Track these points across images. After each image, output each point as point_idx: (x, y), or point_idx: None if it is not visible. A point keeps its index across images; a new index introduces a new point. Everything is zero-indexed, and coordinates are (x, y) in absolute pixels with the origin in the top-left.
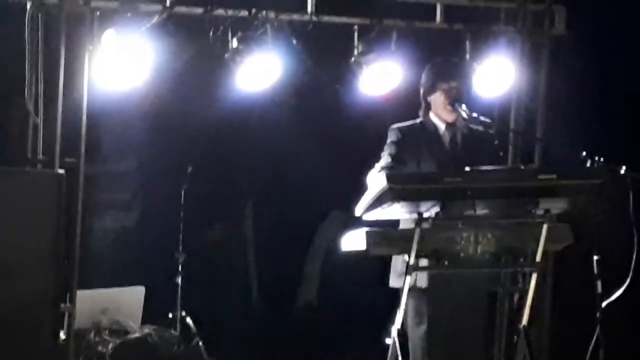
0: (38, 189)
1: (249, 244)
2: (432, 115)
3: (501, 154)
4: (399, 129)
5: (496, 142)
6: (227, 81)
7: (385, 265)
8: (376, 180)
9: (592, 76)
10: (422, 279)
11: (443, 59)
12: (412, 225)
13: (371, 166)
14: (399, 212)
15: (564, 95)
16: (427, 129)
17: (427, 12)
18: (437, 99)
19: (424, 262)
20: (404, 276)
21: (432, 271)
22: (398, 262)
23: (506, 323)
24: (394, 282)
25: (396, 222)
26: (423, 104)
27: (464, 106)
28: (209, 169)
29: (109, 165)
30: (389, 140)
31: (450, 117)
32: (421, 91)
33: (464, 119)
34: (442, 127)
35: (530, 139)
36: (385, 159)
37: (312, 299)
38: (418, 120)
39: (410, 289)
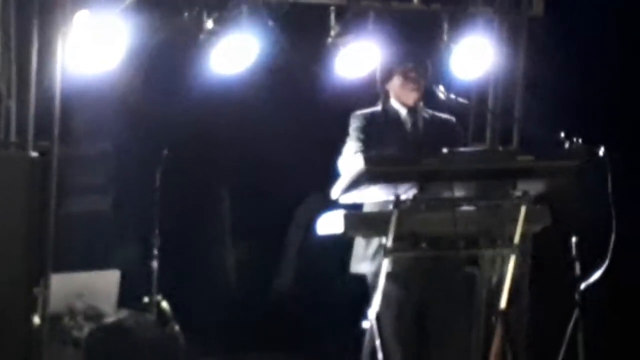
0: (11, 172)
1: (225, 228)
2: (392, 102)
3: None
4: (363, 115)
5: (457, 129)
6: (203, 63)
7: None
8: (353, 162)
9: (570, 57)
10: (395, 262)
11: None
12: (378, 209)
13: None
14: (376, 194)
15: (542, 76)
16: (389, 114)
17: None
18: (395, 84)
19: (401, 244)
20: (381, 258)
21: (407, 253)
22: (359, 248)
23: (484, 305)
24: (354, 267)
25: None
26: (382, 95)
27: (441, 87)
28: (185, 151)
29: (83, 148)
30: (353, 126)
31: (411, 99)
32: (378, 81)
33: (444, 100)
34: (403, 112)
35: (508, 120)
36: (355, 144)
37: (289, 283)
38: (379, 107)
39: (379, 273)
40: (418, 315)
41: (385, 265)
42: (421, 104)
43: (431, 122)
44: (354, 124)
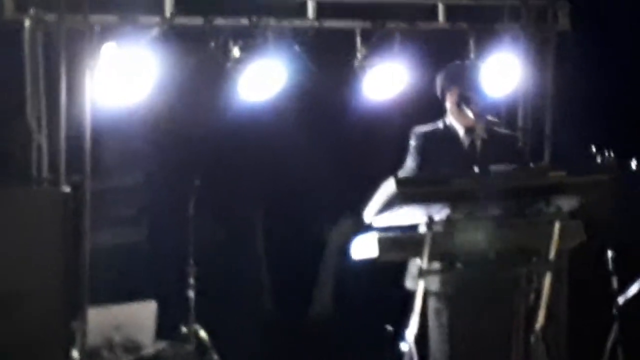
0: (44, 207)
1: (260, 254)
2: (452, 119)
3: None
4: (422, 132)
5: (520, 144)
6: (231, 91)
7: (400, 268)
8: (385, 184)
9: (599, 70)
10: (434, 282)
11: (451, 64)
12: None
13: (387, 168)
14: (408, 216)
15: (571, 91)
16: (448, 133)
17: (430, 13)
18: (447, 106)
19: (437, 265)
20: (418, 280)
21: (445, 274)
22: (414, 263)
23: (522, 323)
24: (409, 283)
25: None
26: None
27: (471, 107)
28: (217, 179)
29: (115, 181)
30: (412, 144)
31: (465, 122)
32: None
33: (483, 122)
34: (461, 131)
35: (539, 136)
36: (413, 162)
37: (327, 306)
38: (441, 124)
39: (427, 293)
40: (466, 335)
41: (421, 287)
42: (480, 124)
43: (490, 141)
44: (412, 142)
